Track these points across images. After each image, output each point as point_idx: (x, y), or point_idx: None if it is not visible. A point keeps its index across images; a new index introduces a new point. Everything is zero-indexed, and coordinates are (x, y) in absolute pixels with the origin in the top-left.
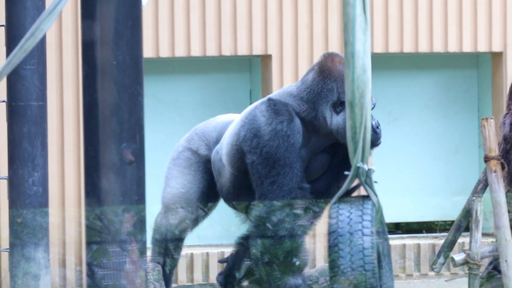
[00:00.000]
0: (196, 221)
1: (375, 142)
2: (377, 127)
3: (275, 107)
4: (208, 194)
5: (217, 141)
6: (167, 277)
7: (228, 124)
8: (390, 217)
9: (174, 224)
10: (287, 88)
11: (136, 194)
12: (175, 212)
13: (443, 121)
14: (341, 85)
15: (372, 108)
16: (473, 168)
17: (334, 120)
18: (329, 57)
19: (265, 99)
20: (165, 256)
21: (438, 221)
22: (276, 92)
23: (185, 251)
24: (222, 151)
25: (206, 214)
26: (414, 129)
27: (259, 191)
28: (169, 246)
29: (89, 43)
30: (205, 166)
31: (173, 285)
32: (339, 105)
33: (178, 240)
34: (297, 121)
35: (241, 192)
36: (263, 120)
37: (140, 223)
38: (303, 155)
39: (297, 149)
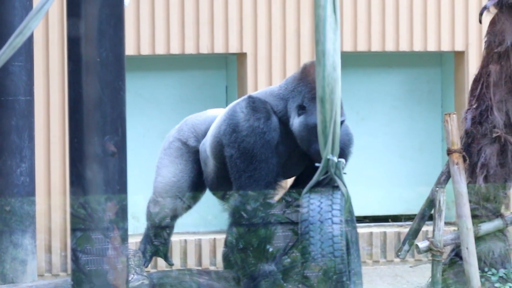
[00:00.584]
0: (187, 209)
1: None
2: None
3: (253, 104)
4: (197, 183)
5: (205, 133)
6: (165, 258)
7: (216, 117)
8: (359, 210)
9: (166, 211)
10: (271, 87)
11: (118, 184)
12: (167, 200)
13: (409, 118)
14: (309, 91)
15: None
16: (436, 161)
17: (295, 121)
18: (310, 64)
19: (246, 96)
20: (159, 241)
21: (403, 215)
22: (260, 90)
23: None
24: (207, 143)
25: (196, 202)
26: (381, 127)
27: (237, 184)
28: (162, 232)
29: (74, 41)
30: (194, 156)
31: (152, 270)
32: (301, 109)
33: (170, 226)
34: (274, 119)
35: (223, 183)
36: (241, 116)
37: (122, 212)
38: (280, 151)
39: (273, 146)
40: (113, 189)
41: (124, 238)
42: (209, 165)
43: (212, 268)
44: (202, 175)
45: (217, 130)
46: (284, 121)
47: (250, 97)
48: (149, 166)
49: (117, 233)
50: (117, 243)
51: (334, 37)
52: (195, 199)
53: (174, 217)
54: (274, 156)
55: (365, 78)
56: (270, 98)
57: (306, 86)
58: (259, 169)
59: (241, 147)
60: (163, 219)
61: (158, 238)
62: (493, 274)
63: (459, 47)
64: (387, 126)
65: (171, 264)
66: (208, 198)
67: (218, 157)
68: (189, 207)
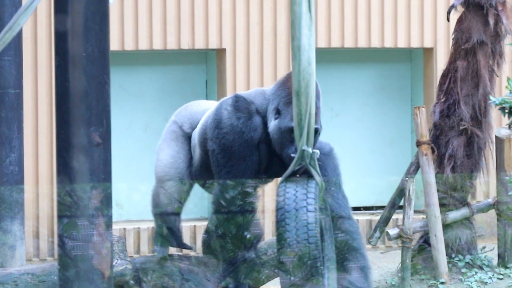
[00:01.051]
0: (189, 190)
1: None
2: None
3: (236, 103)
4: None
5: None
6: (178, 240)
7: None
8: None
9: (170, 192)
10: (263, 88)
11: (103, 173)
12: (169, 181)
13: (380, 111)
14: (285, 95)
15: (316, 132)
16: (406, 153)
17: (271, 124)
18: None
19: (233, 94)
20: (168, 222)
21: (374, 206)
22: (256, 88)
23: (146, 225)
24: (196, 132)
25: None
26: (353, 122)
27: (217, 176)
28: (171, 217)
29: (61, 37)
30: (188, 141)
31: (136, 256)
32: (277, 112)
33: (178, 213)
34: (256, 119)
35: (206, 172)
36: (225, 113)
37: (107, 199)
38: (263, 150)
39: (254, 145)
40: (98, 178)
41: (109, 224)
42: (196, 153)
43: (193, 253)
44: None
45: (205, 123)
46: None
47: (236, 96)
48: (132, 156)
49: (101, 220)
50: (101, 229)
51: (309, 33)
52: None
53: (179, 201)
54: (254, 154)
55: (339, 73)
56: (259, 98)
57: (284, 90)
58: (237, 165)
59: (221, 144)
60: (169, 204)
61: (168, 224)
62: (460, 260)
63: (428, 44)
64: (359, 121)
65: (189, 248)
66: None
67: (203, 147)
68: (191, 187)
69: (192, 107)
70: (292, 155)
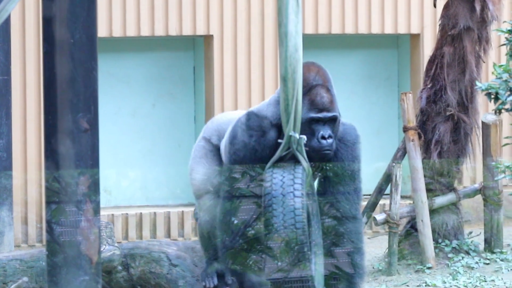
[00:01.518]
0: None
1: (319, 150)
2: (323, 138)
3: (248, 122)
4: None
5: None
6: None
7: None
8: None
9: (208, 206)
10: (276, 94)
11: (90, 159)
12: (206, 195)
13: (367, 97)
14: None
15: (335, 120)
16: (393, 138)
17: None
18: (305, 64)
19: (248, 111)
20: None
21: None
22: (268, 99)
23: (134, 211)
24: (223, 142)
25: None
26: (341, 108)
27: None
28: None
29: (49, 23)
30: (218, 153)
31: (124, 241)
32: None
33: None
34: (271, 134)
35: None
36: (239, 131)
37: (94, 185)
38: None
39: (264, 151)
40: (86, 164)
41: (96, 210)
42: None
43: (180, 239)
44: None
45: (226, 135)
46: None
47: (247, 114)
48: (120, 142)
49: (89, 205)
50: (89, 215)
51: (296, 19)
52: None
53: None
54: None
55: (326, 59)
56: (271, 107)
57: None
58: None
59: (232, 159)
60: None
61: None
62: (446, 245)
63: (414, 30)
64: (347, 107)
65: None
66: (176, 172)
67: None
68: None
69: (218, 119)
70: (279, 140)
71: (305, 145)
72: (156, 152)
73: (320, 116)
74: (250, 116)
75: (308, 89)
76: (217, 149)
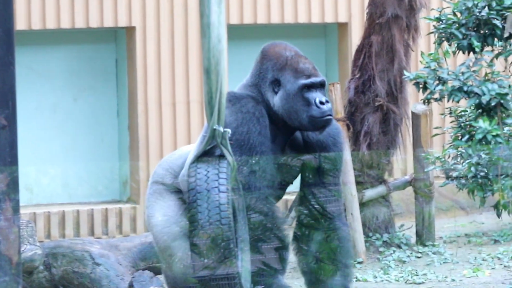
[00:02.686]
0: None
1: (321, 117)
2: (321, 103)
3: (235, 95)
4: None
5: (183, 166)
6: None
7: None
8: None
9: (183, 252)
10: (243, 81)
11: (9, 156)
12: (174, 242)
13: None
14: (276, 63)
15: (322, 85)
16: None
17: (275, 99)
18: (271, 44)
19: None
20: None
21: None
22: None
23: (56, 209)
24: (183, 172)
25: None
26: None
27: (241, 179)
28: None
29: None
30: (176, 191)
31: (46, 240)
32: (276, 85)
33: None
34: (262, 108)
35: None
36: (227, 112)
37: (13, 183)
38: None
39: (268, 135)
40: (4, 161)
41: (16, 209)
42: None
43: (104, 237)
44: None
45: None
46: (268, 113)
47: (228, 93)
48: (41, 138)
49: (9, 204)
50: (9, 214)
51: (219, 10)
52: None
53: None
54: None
55: (252, 50)
56: (245, 91)
57: (270, 61)
58: (259, 162)
59: (234, 140)
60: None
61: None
62: (377, 239)
63: (342, 19)
64: None
65: None
66: (99, 168)
67: None
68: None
69: (165, 160)
70: (203, 134)
71: (302, 119)
72: (77, 147)
73: (311, 81)
74: (232, 92)
75: (284, 61)
76: (172, 188)
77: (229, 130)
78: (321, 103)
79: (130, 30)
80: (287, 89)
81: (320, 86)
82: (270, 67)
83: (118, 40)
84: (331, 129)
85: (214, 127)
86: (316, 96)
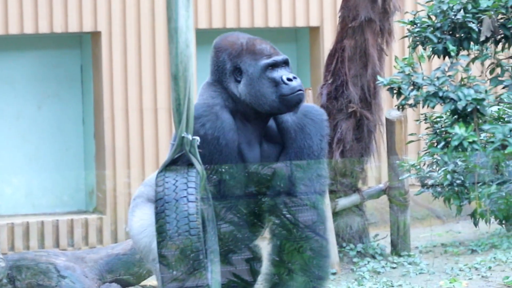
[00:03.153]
0: None
1: (291, 94)
2: (289, 79)
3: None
4: None
5: None
6: None
7: None
8: None
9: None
10: (206, 79)
11: None
12: (154, 246)
13: None
14: (232, 51)
15: (285, 63)
16: None
17: (239, 88)
18: (222, 36)
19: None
20: None
21: None
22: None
23: (20, 220)
24: None
25: None
26: None
27: (211, 188)
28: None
29: None
30: (153, 202)
31: (9, 253)
32: (237, 73)
33: None
34: (225, 117)
35: None
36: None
37: None
38: (245, 150)
39: (234, 148)
40: None
41: None
42: None
43: (70, 249)
44: None
45: None
46: (233, 111)
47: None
48: (3, 147)
49: None
50: None
51: (187, 14)
52: None
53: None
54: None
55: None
56: (208, 92)
57: (225, 51)
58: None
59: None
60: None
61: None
62: (351, 249)
63: (314, 23)
64: None
65: None
66: (64, 178)
67: None
68: None
69: (148, 180)
70: (171, 142)
71: (275, 97)
72: (42, 156)
73: (274, 59)
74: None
75: (240, 47)
76: (152, 199)
77: (197, 138)
78: (289, 79)
79: (95, 35)
80: (249, 74)
81: (284, 64)
82: (227, 57)
83: (83, 46)
84: (309, 111)
85: (183, 135)
86: (282, 73)
